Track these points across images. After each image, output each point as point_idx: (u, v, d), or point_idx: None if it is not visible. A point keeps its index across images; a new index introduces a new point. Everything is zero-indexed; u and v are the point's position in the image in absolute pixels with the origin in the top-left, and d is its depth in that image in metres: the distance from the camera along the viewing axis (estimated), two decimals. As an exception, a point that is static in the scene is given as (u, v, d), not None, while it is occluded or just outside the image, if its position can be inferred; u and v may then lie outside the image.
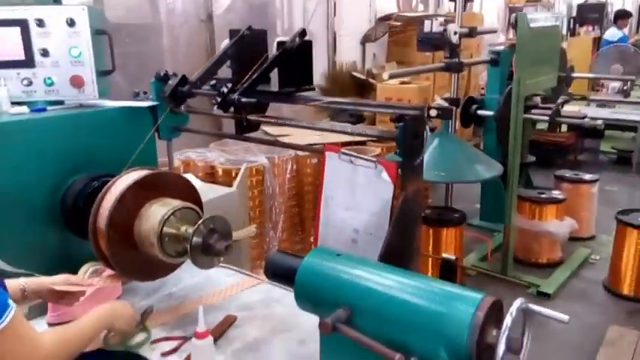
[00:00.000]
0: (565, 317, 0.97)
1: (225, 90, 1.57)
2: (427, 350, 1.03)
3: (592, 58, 7.91)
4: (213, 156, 3.48)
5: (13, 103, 1.75)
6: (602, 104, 6.39)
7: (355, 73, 4.98)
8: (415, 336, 1.05)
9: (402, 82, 4.64)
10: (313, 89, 1.83)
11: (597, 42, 9.12)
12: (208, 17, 3.78)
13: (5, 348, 1.07)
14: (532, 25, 3.05)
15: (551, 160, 5.91)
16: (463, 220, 3.46)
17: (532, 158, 4.52)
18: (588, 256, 3.93)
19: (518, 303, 1.00)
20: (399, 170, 1.53)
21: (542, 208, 3.73)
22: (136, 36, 3.60)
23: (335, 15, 4.83)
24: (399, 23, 5.35)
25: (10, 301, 1.11)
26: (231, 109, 1.67)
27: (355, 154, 1.63)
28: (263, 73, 1.64)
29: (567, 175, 4.23)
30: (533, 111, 4.02)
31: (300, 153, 3.65)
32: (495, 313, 1.04)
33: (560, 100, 4.77)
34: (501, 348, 0.96)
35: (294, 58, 1.73)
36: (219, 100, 1.59)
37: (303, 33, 1.72)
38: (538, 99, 4.35)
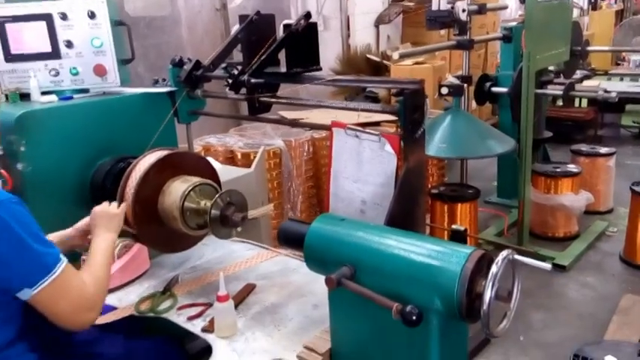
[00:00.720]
0: (548, 265, 1.05)
1: (235, 72, 1.68)
2: (423, 300, 1.13)
3: (614, 32, 7.78)
4: (232, 141, 3.60)
5: (43, 93, 1.89)
6: (621, 78, 6.30)
7: (370, 56, 5.03)
8: (412, 288, 1.15)
9: (416, 63, 4.68)
10: (320, 69, 1.91)
11: (620, 15, 8.94)
12: (222, 6, 3.88)
13: (59, 294, 1.22)
14: (540, -1, 3.07)
15: (571, 135, 5.88)
16: (477, 195, 3.52)
17: (549, 134, 4.52)
18: (605, 229, 3.94)
19: (504, 253, 1.09)
20: (402, 142, 1.62)
21: (557, 181, 3.75)
22: (154, 27, 3.73)
23: (348, -2, 4.88)
24: (412, 4, 5.36)
25: (61, 255, 1.26)
26: (243, 90, 1.78)
27: (360, 128, 1.73)
28: (271, 55, 1.74)
29: (583, 149, 4.22)
30: (548, 87, 4.03)
31: (316, 135, 3.75)
32: (485, 266, 1.13)
33: (579, 76, 4.76)
34: (488, 294, 1.05)
35: (300, 39, 1.82)
36: (230, 81, 1.70)
37: (307, 15, 1.81)
38: (552, 75, 4.35)
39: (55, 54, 1.88)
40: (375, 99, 4.64)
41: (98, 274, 1.37)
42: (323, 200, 4.07)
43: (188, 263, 2.04)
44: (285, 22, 1.80)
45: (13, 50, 1.85)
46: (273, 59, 1.77)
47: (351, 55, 5.10)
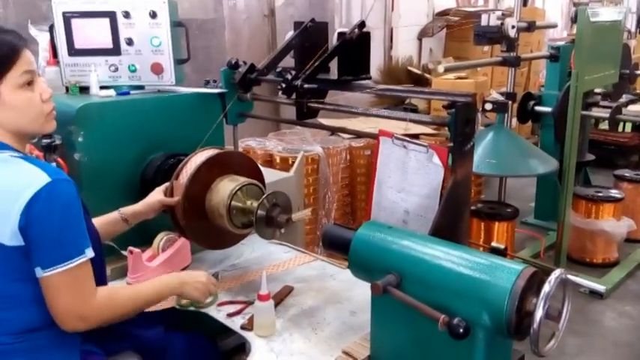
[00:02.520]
0: (601, 287, 1.03)
1: (289, 77, 1.71)
2: (469, 314, 1.12)
3: (663, 56, 7.57)
4: (271, 145, 3.65)
5: (101, 87, 1.96)
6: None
7: (411, 68, 5.03)
8: (459, 301, 1.14)
9: (459, 77, 4.66)
10: (370, 78, 1.93)
11: (668, 39, 8.68)
12: (271, 12, 3.95)
13: (63, 284, 1.20)
14: (592, 19, 3.02)
15: (613, 160, 5.74)
16: (516, 215, 3.47)
17: (591, 157, 4.42)
18: (646, 258, 3.83)
19: (557, 273, 1.08)
20: (450, 155, 1.62)
21: (598, 206, 3.67)
22: (202, 30, 3.82)
23: (393, 9, 4.90)
24: (457, 18, 5.34)
25: (87, 250, 1.23)
26: (293, 95, 1.81)
27: (408, 138, 1.73)
28: (324, 62, 1.77)
29: (627, 174, 4.12)
30: (593, 109, 3.96)
31: (354, 144, 3.77)
32: (536, 284, 1.12)
33: (624, 100, 4.65)
34: (539, 313, 1.04)
35: (352, 48, 1.84)
36: (283, 86, 1.73)
37: (362, 24, 1.83)
38: (599, 97, 4.27)
39: (115, 50, 1.95)
40: (414, 111, 4.64)
41: (120, 297, 1.35)
42: (357, 210, 4.09)
43: (228, 261, 2.07)
44: (340, 30, 1.83)
45: (77, 45, 1.93)
46: (325, 66, 1.79)
47: (392, 67, 5.11)
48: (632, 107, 5.25)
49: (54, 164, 1.71)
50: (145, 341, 1.53)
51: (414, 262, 1.22)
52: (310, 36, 1.92)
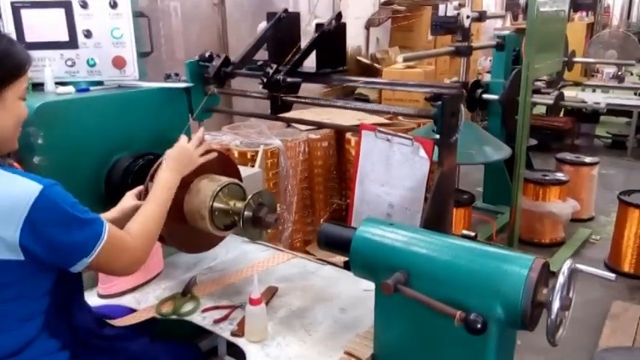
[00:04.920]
0: (612, 275, 1.06)
1: (270, 71, 1.64)
2: (482, 308, 1.12)
3: (585, 44, 8.04)
4: (227, 139, 3.53)
5: (56, 84, 1.80)
6: (594, 89, 6.54)
7: (360, 58, 5.04)
8: (471, 295, 1.14)
9: (408, 67, 4.72)
10: (346, 71, 1.90)
11: (591, 28, 9.24)
12: (220, 1, 3.82)
13: (110, 257, 1.23)
14: (541, 9, 3.13)
15: (549, 143, 6.06)
16: (472, 201, 3.57)
17: (534, 141, 4.64)
18: (589, 237, 4.07)
19: (568, 264, 1.09)
20: (436, 147, 1.62)
21: (545, 189, 3.85)
22: (151, 20, 3.62)
23: (341, -1, 4.87)
24: (402, 8, 5.40)
25: (105, 221, 1.23)
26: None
27: (392, 132, 1.71)
28: (304, 54, 1.71)
29: (568, 157, 4.35)
30: (535, 95, 4.13)
31: (312, 136, 3.73)
32: (545, 274, 1.13)
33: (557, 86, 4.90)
34: (556, 305, 1.06)
35: (330, 40, 1.80)
36: (264, 80, 1.66)
37: (339, 16, 1.79)
38: (540, 83, 4.46)
39: (72, 43, 1.79)
40: (366, 101, 4.65)
41: (147, 219, 1.38)
42: (316, 202, 4.06)
43: (203, 264, 1.98)
44: (317, 21, 1.78)
45: (28, 38, 1.76)
46: (304, 58, 1.74)
47: (341, 57, 5.09)
48: (567, 93, 5.57)
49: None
50: (132, 354, 1.44)
51: (423, 258, 1.21)
52: (283, 27, 1.86)
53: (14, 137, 1.27)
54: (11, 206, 1.10)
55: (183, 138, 1.61)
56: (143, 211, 1.39)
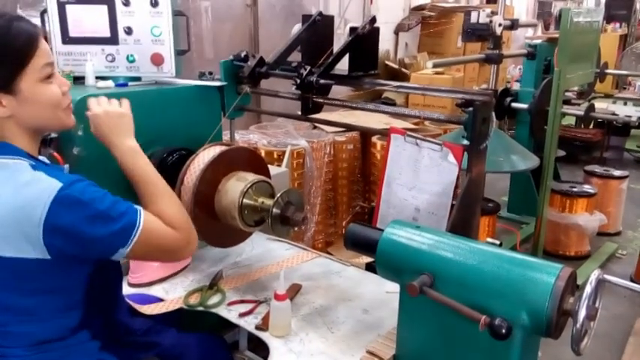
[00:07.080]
0: (638, 287, 1.06)
1: (304, 72, 1.67)
2: (507, 314, 1.13)
3: (618, 56, 7.90)
4: (255, 138, 3.59)
5: (96, 78, 1.86)
6: (625, 102, 6.41)
7: (388, 62, 5.05)
8: (497, 301, 1.15)
9: (436, 73, 4.71)
10: (378, 74, 1.92)
11: (624, 39, 9.07)
12: (253, 2, 3.87)
13: (151, 245, 1.22)
14: (575, 19, 3.10)
15: (577, 155, 5.97)
16: (497, 209, 3.55)
17: (562, 152, 4.59)
18: (615, 251, 4.00)
19: (596, 274, 1.09)
20: (465, 153, 1.63)
21: (572, 201, 3.80)
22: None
23: (372, 3, 4.89)
24: (432, 13, 5.39)
25: (139, 208, 1.22)
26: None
27: (421, 136, 1.73)
28: (337, 57, 1.74)
29: (597, 170, 4.29)
30: (565, 106, 4.08)
31: (338, 138, 3.75)
32: (572, 283, 1.13)
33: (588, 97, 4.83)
34: (582, 314, 1.06)
35: (363, 43, 1.82)
36: (298, 81, 1.69)
37: (373, 20, 1.81)
38: (570, 94, 4.40)
39: (113, 39, 1.85)
40: (393, 105, 4.65)
41: (176, 199, 1.34)
42: (339, 204, 4.09)
43: (229, 259, 2.02)
44: (351, 24, 1.80)
45: (72, 33, 1.82)
46: (338, 61, 1.76)
47: (369, 61, 5.11)
48: (598, 105, 5.48)
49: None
50: (162, 347, 1.48)
51: (449, 261, 1.22)
52: (318, 30, 1.89)
53: (58, 118, 1.20)
54: (31, 207, 1.07)
55: (94, 106, 1.44)
56: (152, 191, 1.35)
